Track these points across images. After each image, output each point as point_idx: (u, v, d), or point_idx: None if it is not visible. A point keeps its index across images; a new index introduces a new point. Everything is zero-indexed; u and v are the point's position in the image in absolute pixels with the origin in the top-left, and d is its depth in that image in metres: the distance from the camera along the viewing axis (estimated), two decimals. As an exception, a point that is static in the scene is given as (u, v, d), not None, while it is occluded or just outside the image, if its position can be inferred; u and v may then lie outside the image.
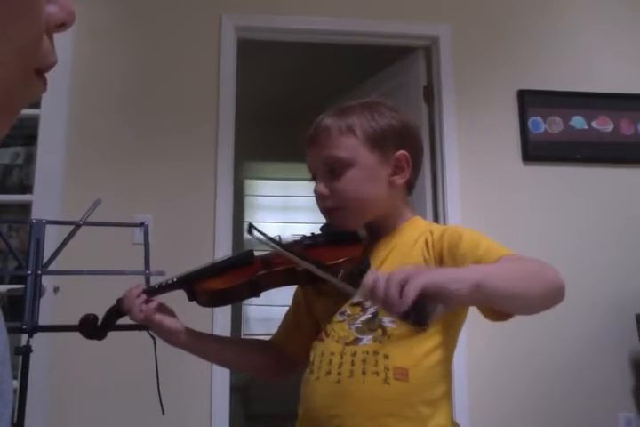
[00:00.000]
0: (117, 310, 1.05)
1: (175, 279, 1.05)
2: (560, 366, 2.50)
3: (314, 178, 1.06)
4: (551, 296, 0.85)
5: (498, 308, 0.86)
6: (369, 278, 0.73)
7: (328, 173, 1.02)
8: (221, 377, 2.33)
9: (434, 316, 0.73)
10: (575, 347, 2.52)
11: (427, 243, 0.99)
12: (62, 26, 0.40)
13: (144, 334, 1.25)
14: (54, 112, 2.29)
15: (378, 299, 0.72)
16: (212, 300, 1.04)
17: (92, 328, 1.07)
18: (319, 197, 1.03)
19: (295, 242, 1.07)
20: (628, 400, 2.51)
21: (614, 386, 2.52)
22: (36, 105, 2.19)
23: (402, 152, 1.03)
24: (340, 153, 1.00)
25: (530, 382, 2.47)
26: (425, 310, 0.71)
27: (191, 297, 1.03)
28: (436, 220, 2.58)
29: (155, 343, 1.22)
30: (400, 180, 1.03)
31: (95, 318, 1.08)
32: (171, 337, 1.04)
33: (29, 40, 0.37)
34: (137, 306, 1.01)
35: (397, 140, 1.03)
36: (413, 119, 1.16)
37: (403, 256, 1.00)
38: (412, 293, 0.69)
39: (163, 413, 1.22)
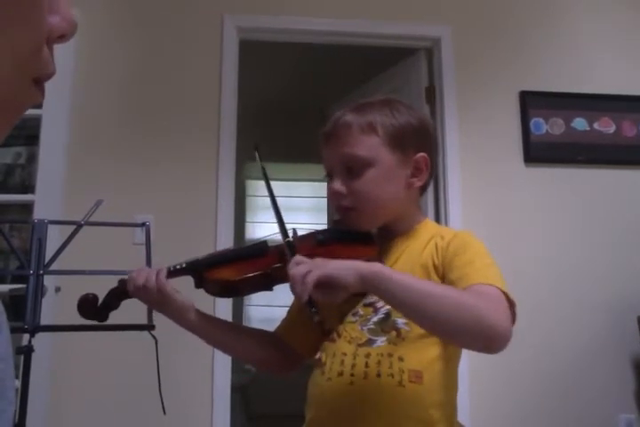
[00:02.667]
0: (120, 291, 1.02)
1: (184, 265, 1.02)
2: (561, 368, 2.50)
3: (329, 175, 1.04)
4: (471, 333, 0.82)
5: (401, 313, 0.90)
6: (290, 269, 0.86)
7: (346, 172, 1.00)
8: (223, 377, 2.33)
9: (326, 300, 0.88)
10: (576, 348, 2.51)
11: (437, 246, 0.98)
12: (63, 37, 0.40)
13: (145, 333, 1.26)
14: (56, 112, 2.29)
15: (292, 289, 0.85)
16: (222, 290, 1.01)
17: (91, 308, 1.03)
18: (335, 194, 1.01)
19: (308, 235, 1.05)
20: (629, 402, 2.51)
21: (615, 388, 2.51)
22: (38, 105, 2.19)
23: (422, 155, 1.02)
24: (361, 152, 0.99)
25: (531, 384, 2.47)
26: (315, 302, 0.85)
27: (199, 284, 1.01)
28: (437, 221, 2.58)
29: (156, 343, 1.22)
30: (418, 182, 1.03)
31: (95, 297, 1.03)
32: (181, 314, 1.01)
33: (30, 48, 0.36)
34: (152, 276, 0.97)
35: (417, 140, 1.02)
36: (429, 118, 1.16)
37: (413, 259, 0.99)
38: (308, 286, 0.82)
39: (164, 412, 1.22)
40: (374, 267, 0.84)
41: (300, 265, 0.85)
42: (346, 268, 0.84)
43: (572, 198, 2.67)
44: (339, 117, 1.03)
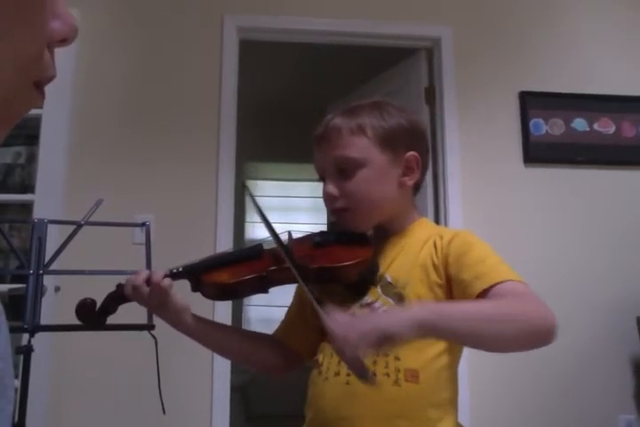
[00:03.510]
0: (118, 295, 1.02)
1: (181, 269, 1.02)
2: (561, 368, 2.49)
3: (322, 178, 1.05)
4: (529, 338, 0.84)
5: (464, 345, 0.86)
6: (332, 327, 0.77)
7: (338, 174, 1.01)
8: (222, 377, 2.33)
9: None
10: (576, 349, 2.51)
11: (435, 246, 0.98)
12: (64, 41, 0.40)
13: (145, 333, 1.26)
14: (56, 112, 2.29)
15: (338, 352, 0.78)
16: (219, 293, 1.01)
17: (89, 313, 1.03)
18: (328, 197, 1.02)
19: (305, 237, 1.05)
20: (628, 403, 2.51)
21: (615, 388, 2.51)
22: (39, 105, 2.19)
23: (412, 153, 1.03)
24: (352, 153, 1.00)
25: (530, 385, 2.47)
26: (365, 369, 0.76)
27: (195, 288, 1.01)
28: (437, 221, 2.58)
29: (156, 343, 1.22)
30: (410, 181, 1.04)
31: (93, 302, 1.03)
32: (178, 317, 1.02)
33: (32, 52, 0.37)
34: (150, 278, 0.97)
35: (407, 140, 1.03)
36: (421, 119, 1.16)
37: (411, 257, 0.99)
38: (365, 346, 0.74)
39: (164, 412, 1.22)
40: (426, 309, 0.82)
41: (343, 323, 0.78)
42: (399, 320, 0.78)
43: (572, 199, 2.67)
44: (329, 121, 1.04)
